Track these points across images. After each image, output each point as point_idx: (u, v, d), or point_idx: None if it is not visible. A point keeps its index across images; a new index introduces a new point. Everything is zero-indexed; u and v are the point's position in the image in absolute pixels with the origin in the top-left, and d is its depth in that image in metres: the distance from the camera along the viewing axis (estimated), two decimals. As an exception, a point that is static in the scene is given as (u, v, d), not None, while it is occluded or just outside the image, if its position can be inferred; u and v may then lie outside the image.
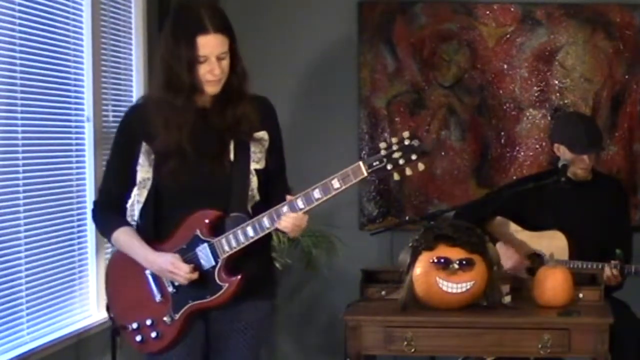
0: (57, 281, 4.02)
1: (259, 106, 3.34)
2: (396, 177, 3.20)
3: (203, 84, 3.22)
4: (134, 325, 3.33)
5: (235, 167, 3.29)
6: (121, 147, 3.36)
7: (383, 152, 3.17)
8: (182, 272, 3.22)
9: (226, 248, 3.24)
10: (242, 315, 3.35)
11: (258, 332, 3.41)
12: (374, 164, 3.17)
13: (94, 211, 3.45)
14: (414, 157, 3.16)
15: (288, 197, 3.22)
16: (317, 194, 3.19)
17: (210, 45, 3.17)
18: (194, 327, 3.34)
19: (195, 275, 3.23)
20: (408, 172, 3.18)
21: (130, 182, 3.33)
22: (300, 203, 3.20)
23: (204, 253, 3.26)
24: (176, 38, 3.18)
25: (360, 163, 3.19)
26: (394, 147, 3.16)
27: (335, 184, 3.18)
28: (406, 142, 3.16)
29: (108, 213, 3.38)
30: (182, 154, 3.23)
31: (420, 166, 3.17)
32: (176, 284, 3.28)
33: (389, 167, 3.17)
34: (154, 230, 3.32)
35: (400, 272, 4.01)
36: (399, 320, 3.91)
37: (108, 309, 3.43)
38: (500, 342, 3.88)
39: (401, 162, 3.16)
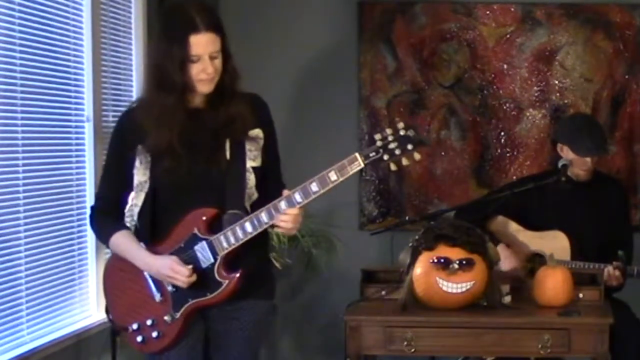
0: (57, 281, 4.02)
1: (251, 103, 3.34)
2: (393, 167, 3.21)
3: (196, 84, 3.22)
4: (135, 326, 3.33)
5: (231, 165, 3.29)
6: (116, 153, 3.37)
7: (379, 143, 3.18)
8: (181, 275, 3.22)
9: (225, 245, 3.24)
10: (242, 314, 3.35)
11: (258, 331, 3.41)
12: (370, 154, 3.19)
13: (91, 217, 3.45)
14: (410, 147, 3.18)
15: (285, 192, 3.22)
16: (314, 187, 3.19)
17: (202, 44, 3.17)
18: (194, 326, 3.34)
19: (193, 278, 3.23)
20: (404, 162, 3.20)
21: (126, 186, 3.34)
22: (298, 197, 3.20)
23: (202, 251, 3.25)
24: (168, 38, 3.19)
25: (357, 154, 3.20)
26: (390, 138, 3.18)
27: (332, 176, 3.19)
28: (401, 133, 3.18)
29: (105, 218, 3.39)
30: (175, 153, 3.24)
31: (416, 156, 3.19)
32: None
33: (385, 157, 3.18)
34: (152, 232, 3.32)
35: (400, 272, 4.01)
36: (399, 320, 3.91)
37: (107, 311, 3.43)
38: (500, 342, 3.88)
39: (397, 152, 3.17)
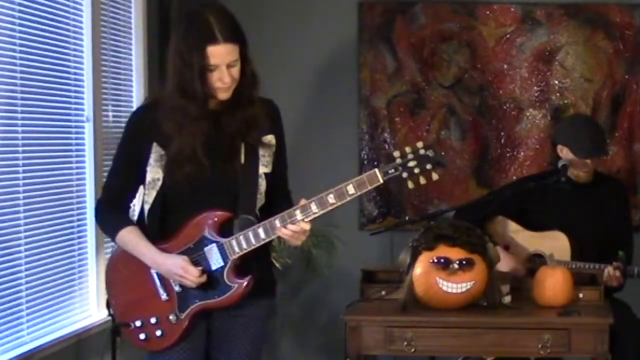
0: (57, 281, 4.02)
1: (267, 109, 3.35)
2: (410, 185, 3.24)
3: (214, 91, 3.22)
4: (138, 323, 3.32)
5: (245, 170, 3.29)
6: (130, 146, 3.34)
7: (398, 161, 3.20)
8: (191, 276, 3.21)
9: (236, 249, 3.23)
10: (244, 312, 3.35)
11: (259, 329, 3.41)
12: (390, 171, 3.21)
13: (97, 209, 3.42)
14: (428, 166, 3.21)
15: (302, 201, 3.22)
16: (331, 199, 3.20)
17: (220, 54, 3.17)
18: (197, 325, 3.33)
19: (204, 279, 3.23)
20: (422, 181, 3.23)
21: (136, 181, 3.32)
22: (314, 207, 3.21)
23: (212, 253, 3.25)
24: (187, 46, 3.18)
25: (376, 170, 3.21)
26: (409, 156, 3.21)
27: (351, 189, 3.20)
28: (421, 152, 3.21)
29: (112, 211, 3.36)
30: (196, 158, 3.23)
31: (434, 176, 3.22)
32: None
33: (404, 175, 3.20)
34: (160, 230, 3.31)
35: (400, 272, 4.01)
36: (399, 320, 3.91)
37: (108, 305, 3.42)
38: (500, 342, 3.88)
39: (416, 170, 3.20)
